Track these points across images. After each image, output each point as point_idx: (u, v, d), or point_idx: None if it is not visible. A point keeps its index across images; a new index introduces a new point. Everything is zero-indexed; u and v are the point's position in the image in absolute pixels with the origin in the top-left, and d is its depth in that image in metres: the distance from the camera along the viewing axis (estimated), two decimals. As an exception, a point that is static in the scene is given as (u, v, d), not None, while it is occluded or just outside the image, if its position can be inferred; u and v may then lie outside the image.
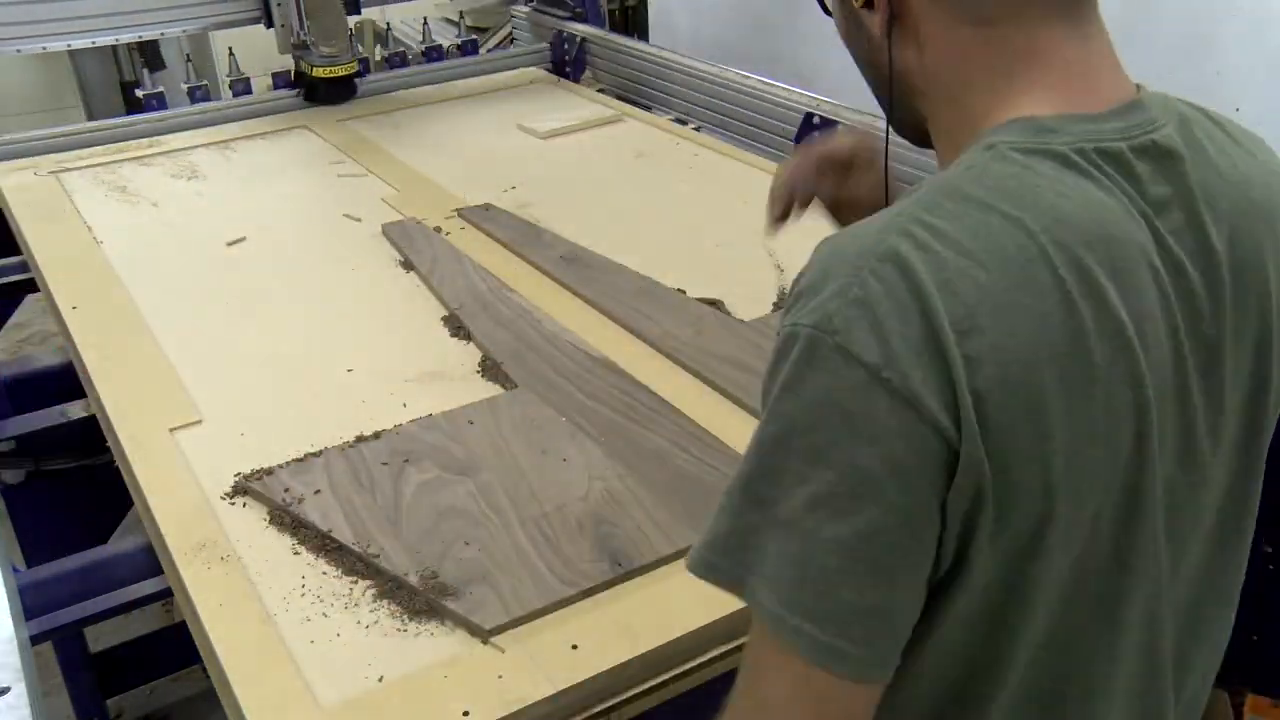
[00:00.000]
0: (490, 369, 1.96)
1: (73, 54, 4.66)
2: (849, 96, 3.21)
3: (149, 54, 4.66)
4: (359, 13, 3.47)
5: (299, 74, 3.35)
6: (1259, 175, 0.92)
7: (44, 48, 2.79)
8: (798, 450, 0.78)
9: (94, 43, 3.06)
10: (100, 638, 2.42)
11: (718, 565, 0.83)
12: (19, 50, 2.69)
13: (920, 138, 0.99)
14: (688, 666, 1.36)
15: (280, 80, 3.42)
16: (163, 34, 3.30)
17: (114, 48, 4.66)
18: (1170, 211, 0.85)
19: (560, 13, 3.92)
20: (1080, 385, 0.77)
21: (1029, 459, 0.77)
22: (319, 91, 3.31)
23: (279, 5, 3.20)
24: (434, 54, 3.70)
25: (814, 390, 0.77)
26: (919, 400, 0.74)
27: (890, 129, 1.01)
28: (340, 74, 3.24)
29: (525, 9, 4.09)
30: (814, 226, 2.47)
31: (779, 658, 0.80)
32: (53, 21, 2.92)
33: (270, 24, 3.25)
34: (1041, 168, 0.81)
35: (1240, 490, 0.99)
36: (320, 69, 3.21)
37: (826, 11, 1.03)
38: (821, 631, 0.77)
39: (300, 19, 3.18)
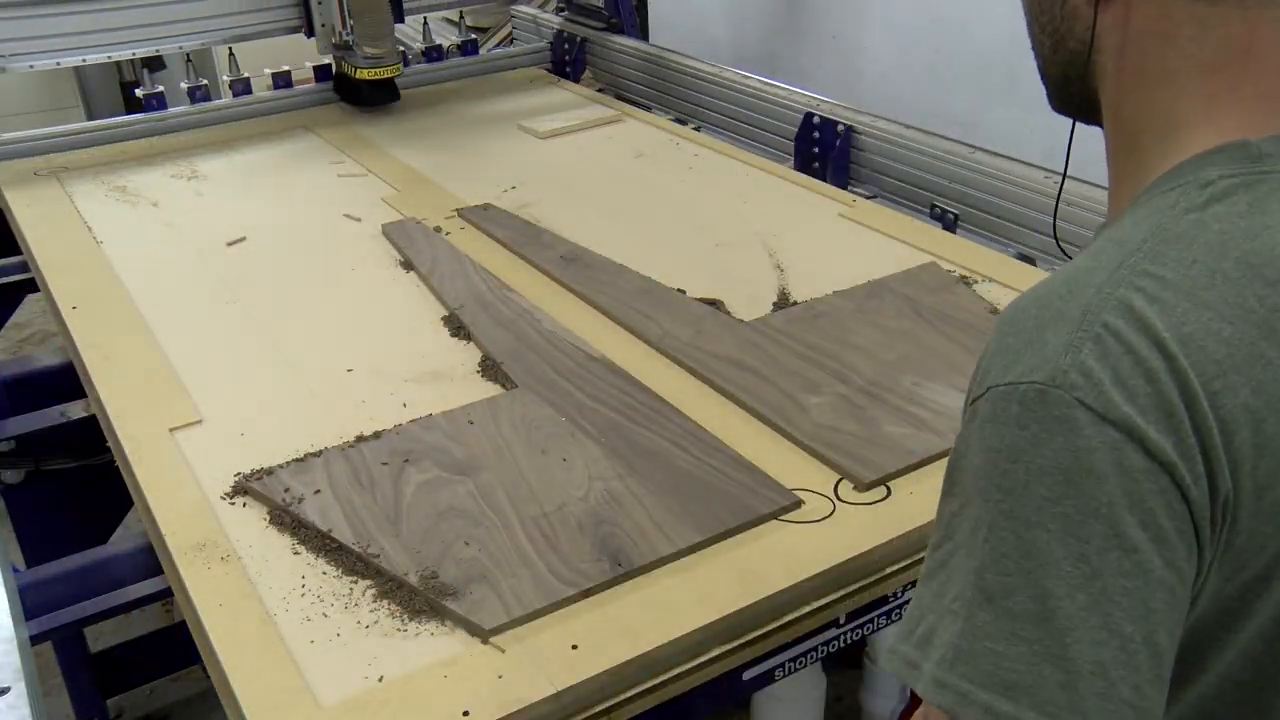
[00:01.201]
0: (490, 369, 1.96)
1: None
2: (848, 96, 3.21)
3: (150, 58, 4.66)
4: (403, 20, 3.34)
5: (340, 76, 3.27)
6: None
7: (84, 60, 2.64)
8: (1043, 526, 0.66)
9: (134, 54, 2.93)
10: (100, 638, 2.42)
11: (957, 687, 0.67)
12: (59, 63, 2.61)
13: (1083, 115, 0.86)
14: (688, 666, 1.36)
15: (280, 80, 3.42)
16: (201, 44, 3.14)
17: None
18: None
19: (594, 24, 3.82)
20: None
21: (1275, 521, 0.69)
22: (362, 94, 3.21)
23: (320, 3, 3.09)
24: (434, 54, 3.70)
25: (1056, 453, 0.66)
26: (1174, 465, 0.65)
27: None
28: (386, 75, 3.12)
29: (557, 20, 4.02)
30: (814, 228, 2.48)
31: None
32: (91, 33, 2.80)
33: (311, 33, 3.13)
34: (1270, 205, 0.72)
35: None
36: (365, 71, 3.09)
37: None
38: None
39: (344, 19, 3.07)
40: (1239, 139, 0.74)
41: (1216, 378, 0.67)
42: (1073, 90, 0.84)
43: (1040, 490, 0.66)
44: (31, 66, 2.39)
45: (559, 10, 4.01)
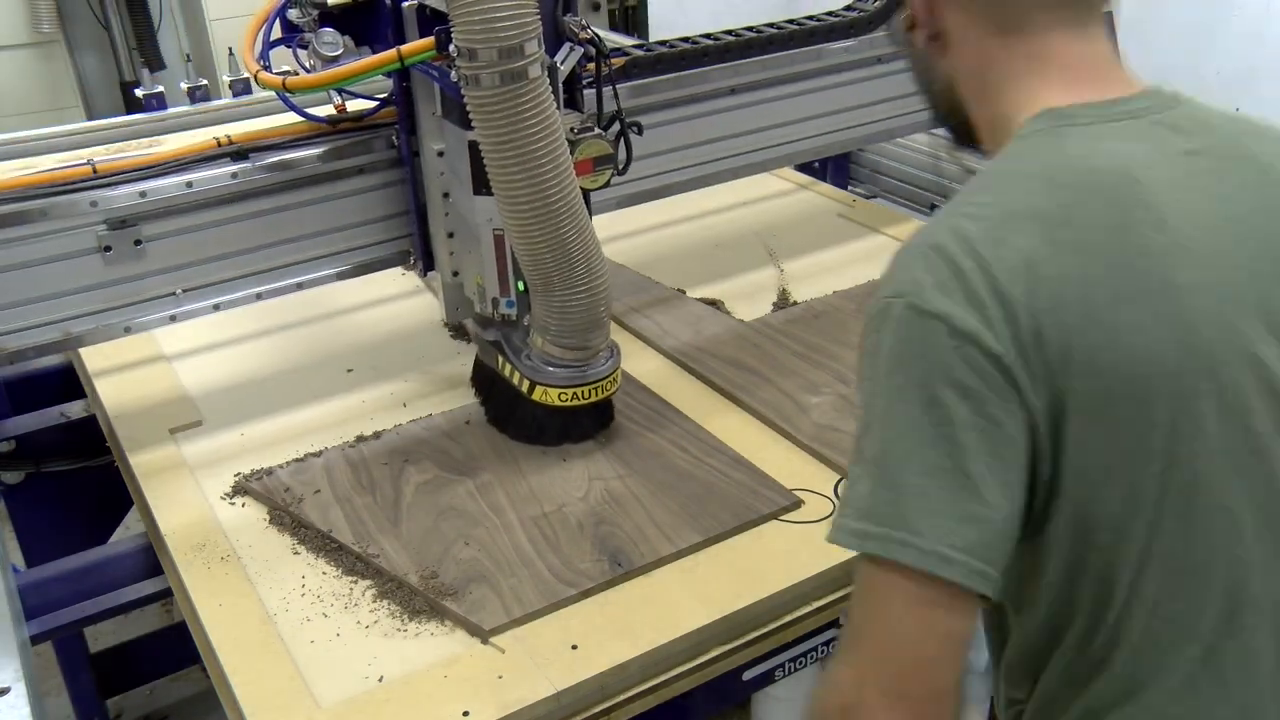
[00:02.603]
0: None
1: (72, 54, 4.66)
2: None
3: (149, 54, 4.66)
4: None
5: (486, 374, 1.80)
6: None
7: (215, 306, 1.73)
8: (885, 394, 0.93)
9: (258, 296, 1.80)
10: (100, 638, 2.42)
11: (840, 525, 0.94)
12: (173, 317, 1.74)
13: (975, 142, 1.12)
14: (688, 666, 1.37)
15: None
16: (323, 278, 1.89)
17: (113, 47, 4.66)
18: (1201, 157, 0.99)
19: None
20: (1128, 292, 0.91)
21: (1095, 361, 0.90)
22: (542, 426, 1.73)
23: (450, 237, 1.79)
24: (434, 54, 3.68)
25: (892, 345, 0.93)
26: (979, 334, 0.89)
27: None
28: (595, 399, 1.69)
29: None
30: (814, 228, 2.47)
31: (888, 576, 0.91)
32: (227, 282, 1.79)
33: (428, 267, 1.87)
34: (1067, 139, 0.97)
35: None
36: (553, 391, 1.66)
37: (903, 46, 1.21)
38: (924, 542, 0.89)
39: (507, 277, 1.68)
40: (1049, 107, 0.99)
41: (1019, 264, 0.90)
42: (959, 123, 1.11)
43: (883, 373, 0.93)
44: (216, 307, 1.70)
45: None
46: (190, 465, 1.72)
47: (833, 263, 2.30)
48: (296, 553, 1.53)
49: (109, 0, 4.60)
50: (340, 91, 1.76)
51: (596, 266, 1.56)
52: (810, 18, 2.26)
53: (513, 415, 1.74)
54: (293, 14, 1.68)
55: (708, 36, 2.14)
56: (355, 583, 1.47)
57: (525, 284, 1.63)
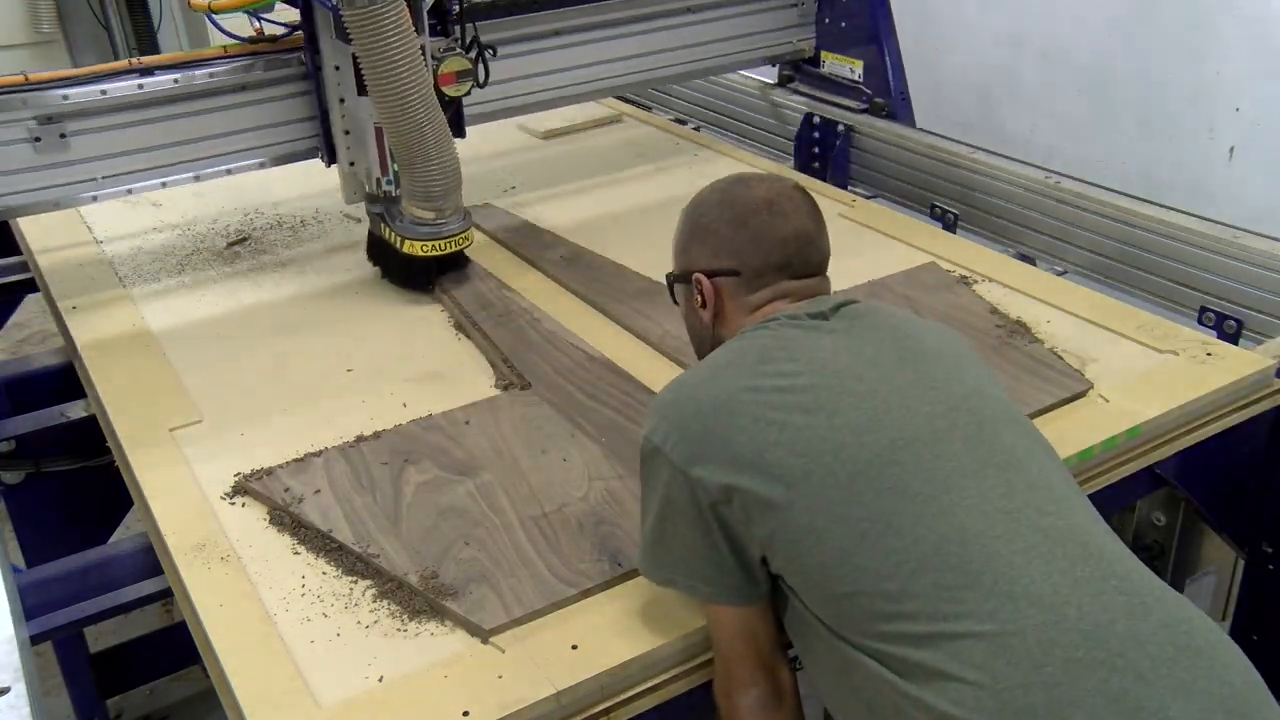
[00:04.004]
0: (497, 370, 1.96)
1: (72, 54, 4.66)
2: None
3: (149, 54, 4.66)
4: (464, 135, 2.27)
5: (375, 241, 2.29)
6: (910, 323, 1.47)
7: (129, 190, 2.18)
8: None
9: (163, 184, 2.24)
10: (100, 638, 2.42)
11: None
12: (95, 197, 2.17)
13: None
14: (688, 666, 1.37)
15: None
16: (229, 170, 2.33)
17: (113, 47, 4.67)
18: (841, 330, 1.39)
19: (850, 104, 3.02)
20: (764, 419, 1.26)
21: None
22: (407, 270, 2.23)
23: (347, 134, 2.21)
24: (434, 54, 3.70)
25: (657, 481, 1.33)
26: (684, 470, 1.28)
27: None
28: (447, 250, 2.17)
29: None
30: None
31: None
32: (135, 172, 2.23)
33: (331, 159, 2.27)
34: (758, 334, 1.39)
35: None
36: (415, 244, 2.15)
37: (674, 301, 1.60)
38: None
39: (385, 162, 2.18)
40: (761, 321, 1.42)
41: (729, 423, 1.27)
42: (706, 348, 1.51)
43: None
44: (129, 191, 2.20)
45: (784, 81, 3.23)
46: (190, 465, 1.72)
47: (833, 263, 2.29)
48: (296, 553, 1.53)
49: (109, 0, 4.60)
50: (257, 18, 2.23)
51: (446, 146, 2.05)
52: None
53: (391, 267, 2.28)
54: None
55: None
56: (355, 583, 1.47)
57: (397, 164, 2.12)
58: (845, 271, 2.25)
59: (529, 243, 2.44)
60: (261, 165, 2.32)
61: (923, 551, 1.15)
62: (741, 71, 3.26)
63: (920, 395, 1.29)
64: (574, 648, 1.34)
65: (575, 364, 1.95)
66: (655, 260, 2.32)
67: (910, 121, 2.92)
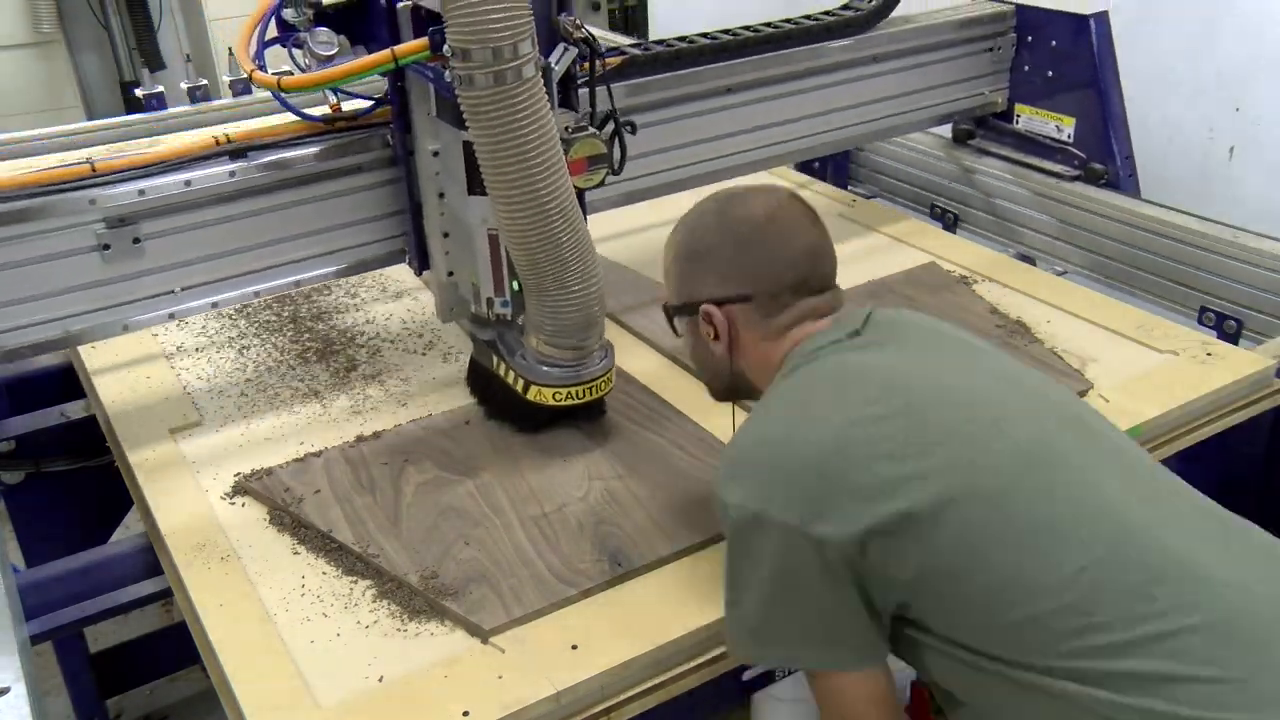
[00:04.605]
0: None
1: (72, 54, 4.66)
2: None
3: (149, 54, 4.66)
4: None
5: (482, 373, 1.81)
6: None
7: (214, 303, 1.74)
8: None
9: (255, 293, 1.80)
10: (100, 638, 2.41)
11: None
12: (172, 315, 1.75)
13: (739, 397, 1.52)
14: (688, 666, 1.36)
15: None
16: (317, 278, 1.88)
17: (113, 47, 4.66)
18: (888, 343, 1.32)
19: (1062, 170, 2.51)
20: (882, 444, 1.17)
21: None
22: (536, 421, 1.76)
23: (446, 236, 1.73)
24: (434, 54, 3.69)
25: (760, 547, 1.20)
26: (803, 531, 1.15)
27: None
28: (588, 399, 1.70)
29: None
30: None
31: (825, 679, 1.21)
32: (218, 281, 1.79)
33: (423, 265, 1.83)
34: (844, 356, 1.31)
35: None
36: (547, 391, 1.67)
37: (676, 333, 1.49)
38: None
39: (502, 276, 1.67)
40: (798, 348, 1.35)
41: (847, 466, 1.16)
42: (733, 388, 1.47)
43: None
44: (214, 305, 1.73)
45: (961, 138, 2.72)
46: (190, 465, 1.72)
47: (833, 263, 2.30)
48: (296, 553, 1.53)
49: (109, 0, 4.60)
50: (335, 91, 1.75)
51: (590, 267, 1.55)
52: (807, 17, 2.25)
53: (509, 413, 1.76)
54: (288, 13, 1.65)
55: (705, 36, 2.13)
56: (355, 583, 1.47)
57: (520, 284, 1.61)
58: (845, 271, 2.24)
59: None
60: (338, 274, 1.87)
61: (1097, 555, 1.08)
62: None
63: (1013, 395, 1.24)
64: (574, 648, 1.34)
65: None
66: (655, 260, 2.32)
67: (1136, 192, 2.44)
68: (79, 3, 4.62)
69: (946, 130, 2.75)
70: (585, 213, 1.64)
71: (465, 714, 1.25)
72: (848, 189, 2.86)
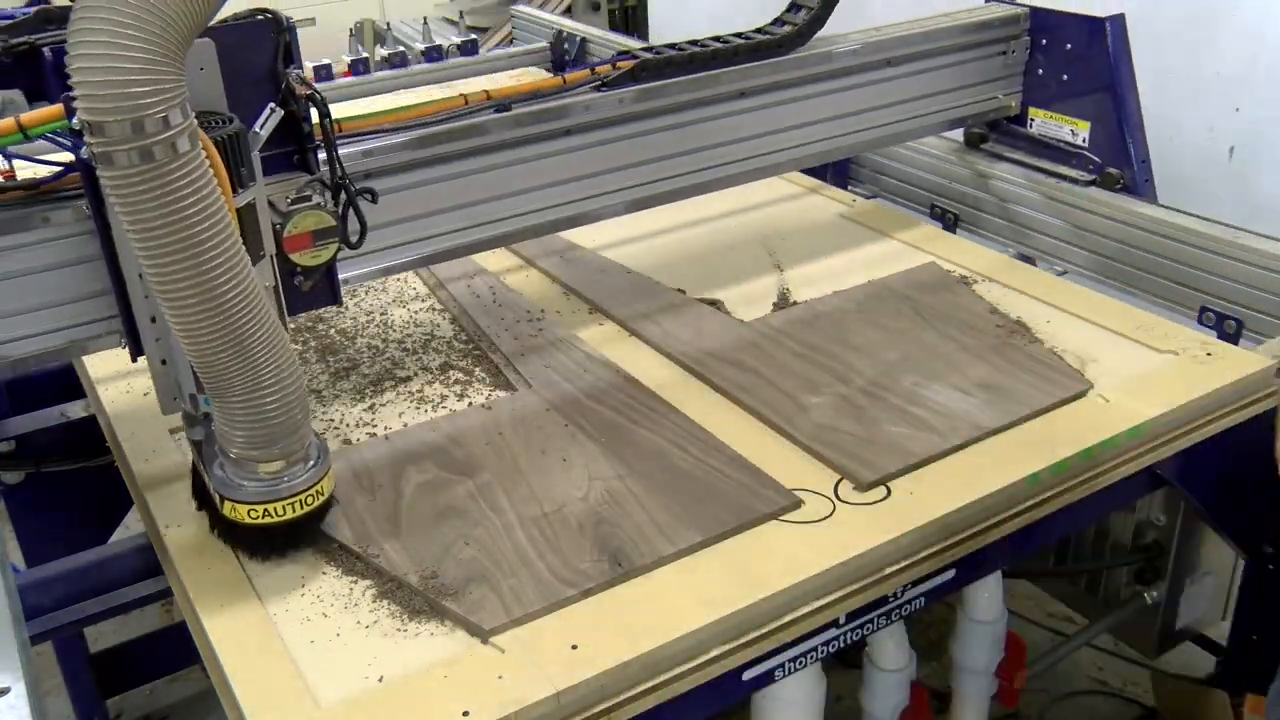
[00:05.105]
0: (493, 370, 1.96)
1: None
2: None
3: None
4: (339, 302, 1.63)
5: (199, 479, 1.56)
6: None
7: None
8: None
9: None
10: (100, 638, 2.42)
11: None
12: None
13: None
14: (688, 666, 1.36)
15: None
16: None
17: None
18: None
19: (1078, 175, 2.44)
20: None
21: None
22: (243, 540, 1.52)
23: (154, 321, 1.50)
24: (434, 54, 3.70)
25: None
26: None
27: None
28: (289, 517, 1.46)
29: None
30: (814, 228, 2.48)
31: None
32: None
33: (136, 350, 1.55)
34: None
35: None
36: (241, 507, 1.45)
37: None
38: None
39: (194, 376, 1.47)
40: None
41: None
42: None
43: None
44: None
45: (974, 142, 2.66)
46: (191, 465, 1.72)
47: (833, 263, 2.31)
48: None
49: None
50: (6, 157, 1.49)
51: (285, 367, 1.34)
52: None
53: (216, 522, 1.52)
54: None
55: (717, 39, 2.12)
56: (355, 583, 1.47)
57: (217, 405, 1.38)
58: (845, 272, 2.25)
59: (529, 243, 2.44)
60: (42, 360, 1.58)
61: None
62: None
63: None
64: (574, 648, 1.34)
65: (575, 364, 1.95)
66: (656, 262, 2.33)
67: (1153, 196, 2.39)
68: (79, 3, 4.62)
69: (956, 134, 2.74)
70: (338, 295, 1.58)
71: (465, 714, 1.25)
72: (848, 189, 2.85)
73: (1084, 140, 2.46)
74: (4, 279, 1.50)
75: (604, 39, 3.76)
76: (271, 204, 1.43)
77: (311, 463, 1.46)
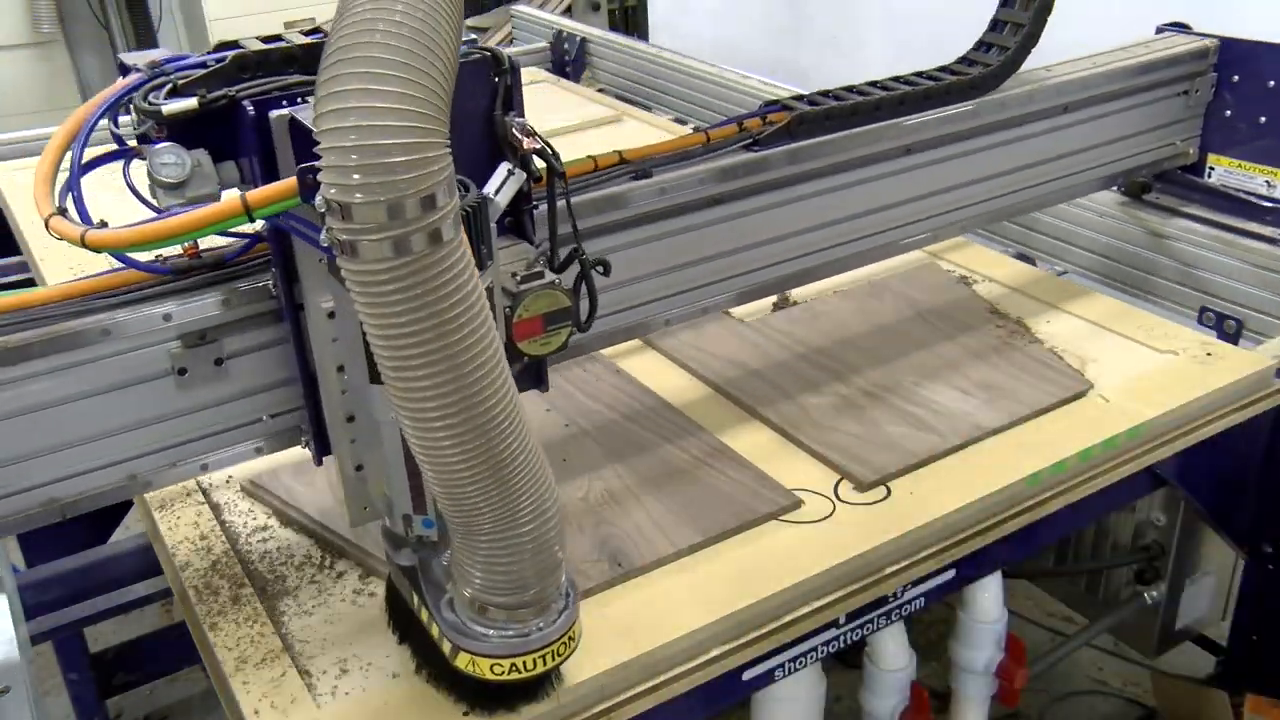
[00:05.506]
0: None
1: (72, 54, 4.66)
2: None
3: (148, 54, 4.66)
4: (545, 387, 1.41)
5: (399, 605, 1.32)
6: None
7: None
8: None
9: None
10: (100, 638, 2.42)
11: None
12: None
13: None
14: (688, 666, 1.36)
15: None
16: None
17: (113, 46, 4.67)
18: None
19: (1263, 230, 2.15)
20: None
21: None
22: (468, 690, 1.26)
23: (351, 421, 1.30)
24: (434, 54, 3.69)
25: None
26: None
27: None
28: (538, 671, 1.20)
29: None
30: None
31: None
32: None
33: (322, 451, 1.38)
34: None
35: None
36: (483, 662, 1.19)
37: None
38: None
39: (425, 491, 1.21)
40: None
41: None
42: None
43: None
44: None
45: (1135, 193, 2.33)
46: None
47: (833, 263, 2.30)
48: (296, 552, 1.53)
49: (109, 0, 4.61)
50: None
51: (544, 494, 1.10)
52: (968, 60, 1.94)
53: (440, 672, 1.27)
54: (125, 123, 1.22)
55: (875, 85, 1.81)
56: (356, 582, 1.47)
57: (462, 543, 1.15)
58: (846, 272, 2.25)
59: (529, 243, 2.44)
60: (130, 486, 1.36)
61: None
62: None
63: None
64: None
65: (575, 364, 1.95)
66: (655, 260, 2.33)
67: None
68: (79, 3, 4.63)
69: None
70: (545, 379, 1.33)
71: (465, 714, 1.25)
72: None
73: (1278, 191, 2.17)
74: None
75: (604, 39, 3.76)
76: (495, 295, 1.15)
77: (563, 606, 1.20)
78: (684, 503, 1.57)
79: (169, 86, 1.18)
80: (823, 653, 1.54)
